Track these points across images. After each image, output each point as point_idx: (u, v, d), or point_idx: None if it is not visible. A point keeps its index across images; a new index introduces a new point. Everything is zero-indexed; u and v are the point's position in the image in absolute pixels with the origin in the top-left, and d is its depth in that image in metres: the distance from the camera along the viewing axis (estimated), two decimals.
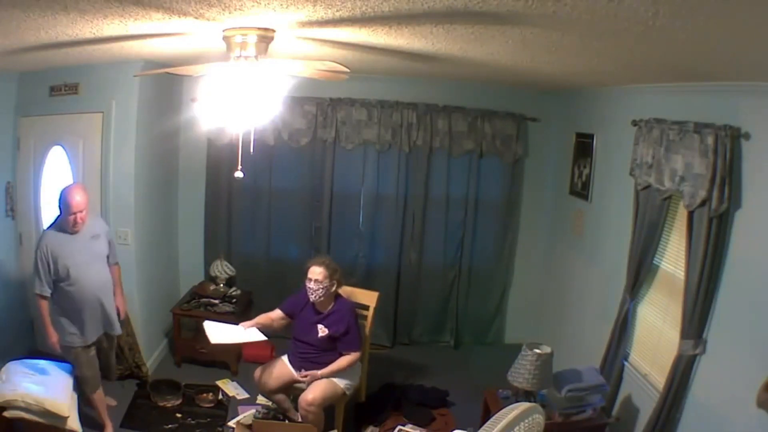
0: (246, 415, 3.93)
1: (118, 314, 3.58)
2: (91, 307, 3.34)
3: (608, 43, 2.16)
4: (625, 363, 3.63)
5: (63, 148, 4.17)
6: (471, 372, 4.78)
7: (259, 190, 5.08)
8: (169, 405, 3.94)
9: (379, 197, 5.11)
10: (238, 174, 2.57)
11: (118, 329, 3.56)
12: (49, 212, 4.06)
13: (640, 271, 3.47)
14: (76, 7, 1.89)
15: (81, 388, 3.43)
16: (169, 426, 3.76)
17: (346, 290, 3.80)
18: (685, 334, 2.94)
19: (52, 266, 3.20)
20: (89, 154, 4.10)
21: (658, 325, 3.42)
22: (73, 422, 3.29)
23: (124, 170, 4.06)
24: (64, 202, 3.19)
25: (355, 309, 3.73)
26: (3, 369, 3.34)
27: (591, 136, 4.38)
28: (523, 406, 2.29)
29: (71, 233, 3.26)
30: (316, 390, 3.43)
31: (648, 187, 3.34)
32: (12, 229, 4.29)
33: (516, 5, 1.61)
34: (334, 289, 3.55)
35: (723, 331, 2.81)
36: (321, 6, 1.79)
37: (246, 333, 3.59)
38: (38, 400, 3.15)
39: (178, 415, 3.87)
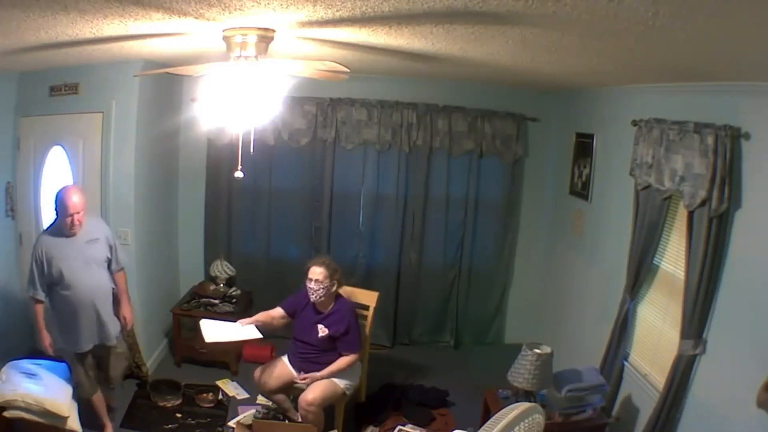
0: (246, 415, 3.93)
1: (124, 324, 3.48)
2: (86, 312, 3.23)
3: (608, 43, 2.16)
4: (625, 363, 3.63)
5: (63, 148, 4.17)
6: (471, 372, 4.78)
7: (259, 190, 5.08)
8: (169, 405, 3.94)
9: (379, 197, 5.11)
10: (238, 174, 2.57)
11: (112, 339, 3.39)
12: (49, 212, 4.05)
13: (640, 271, 3.47)
14: (76, 7, 1.89)
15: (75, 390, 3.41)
16: (169, 426, 3.76)
17: (346, 290, 3.80)
18: (685, 334, 2.94)
19: (46, 269, 3.15)
20: (89, 154, 4.10)
21: (658, 325, 3.42)
22: (73, 422, 3.29)
23: (124, 170, 4.06)
24: (60, 204, 3.12)
25: (356, 309, 3.73)
26: (3, 369, 3.34)
27: (591, 136, 4.38)
28: (523, 406, 2.29)
29: (68, 235, 3.19)
30: (316, 390, 3.43)
31: (648, 187, 3.34)
32: (12, 229, 4.29)
33: (516, 5, 1.61)
34: (334, 289, 3.55)
35: (723, 331, 2.81)
36: (321, 6, 1.79)
37: (243, 330, 3.57)
38: (38, 400, 3.15)
39: (178, 415, 3.88)
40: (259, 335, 3.61)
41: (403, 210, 5.11)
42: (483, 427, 2.18)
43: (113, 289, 3.44)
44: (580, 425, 3.34)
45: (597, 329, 3.98)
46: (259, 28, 2.17)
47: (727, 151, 2.67)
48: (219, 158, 4.94)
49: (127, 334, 3.52)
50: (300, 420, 3.53)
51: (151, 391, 4.00)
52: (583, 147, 4.51)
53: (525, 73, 3.52)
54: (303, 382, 3.52)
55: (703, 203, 2.76)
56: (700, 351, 2.90)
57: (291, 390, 3.70)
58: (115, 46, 2.89)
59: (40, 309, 3.24)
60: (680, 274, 3.09)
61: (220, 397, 4.14)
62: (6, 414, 3.12)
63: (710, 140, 2.72)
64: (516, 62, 2.98)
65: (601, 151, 4.27)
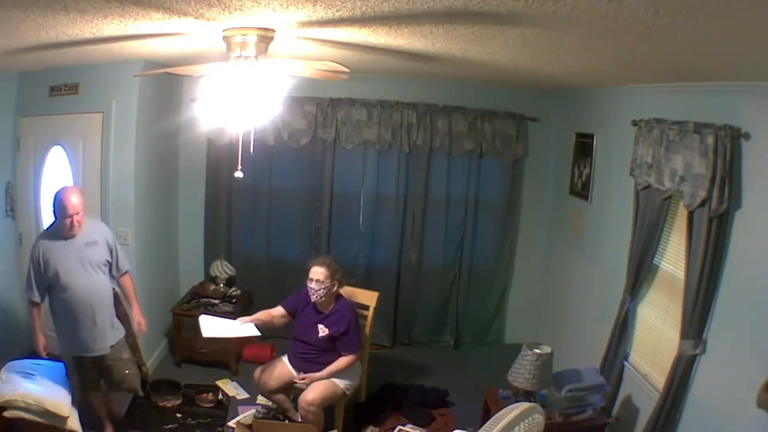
0: (246, 415, 3.93)
1: (138, 328, 3.46)
2: (83, 316, 3.18)
3: (608, 43, 2.16)
4: (625, 363, 3.63)
5: (63, 148, 4.17)
6: (471, 372, 4.79)
7: (259, 190, 5.08)
8: (169, 405, 3.93)
9: (379, 197, 5.12)
10: (238, 174, 2.57)
11: (106, 348, 3.30)
12: (49, 212, 4.05)
13: (640, 271, 3.47)
14: (76, 7, 1.90)
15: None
16: (169, 426, 3.76)
17: (346, 290, 3.80)
18: (685, 334, 2.94)
19: (43, 271, 3.12)
20: (89, 154, 4.10)
21: (658, 325, 3.42)
22: (73, 422, 3.29)
23: (124, 170, 4.06)
24: (59, 205, 3.08)
25: (356, 309, 3.73)
26: (3, 369, 3.33)
27: (591, 136, 4.38)
28: (523, 406, 2.29)
29: (67, 237, 3.15)
30: (316, 390, 3.43)
31: (648, 187, 3.34)
32: (12, 229, 4.30)
33: (516, 5, 1.61)
34: (335, 289, 3.55)
35: (723, 331, 2.81)
36: (321, 6, 1.79)
37: (241, 328, 3.58)
38: (38, 400, 3.15)
39: (178, 415, 3.87)
40: (257, 333, 3.62)
41: (403, 210, 5.11)
42: (483, 427, 2.18)
43: (115, 292, 3.40)
44: (580, 425, 3.34)
45: (597, 329, 3.98)
46: (259, 28, 2.17)
47: (727, 151, 2.67)
48: (219, 158, 4.94)
49: (127, 333, 3.51)
50: (300, 420, 3.53)
51: (151, 391, 3.99)
52: (583, 147, 4.51)
53: (525, 73, 3.52)
54: (302, 382, 3.53)
55: (703, 203, 2.76)
56: (700, 351, 2.90)
57: (291, 390, 3.70)
58: (115, 46, 2.89)
59: (36, 311, 3.23)
60: (680, 274, 3.09)
61: (220, 397, 4.14)
62: (6, 414, 3.12)
63: (710, 140, 2.72)
64: (516, 62, 2.98)
65: (601, 151, 4.27)
